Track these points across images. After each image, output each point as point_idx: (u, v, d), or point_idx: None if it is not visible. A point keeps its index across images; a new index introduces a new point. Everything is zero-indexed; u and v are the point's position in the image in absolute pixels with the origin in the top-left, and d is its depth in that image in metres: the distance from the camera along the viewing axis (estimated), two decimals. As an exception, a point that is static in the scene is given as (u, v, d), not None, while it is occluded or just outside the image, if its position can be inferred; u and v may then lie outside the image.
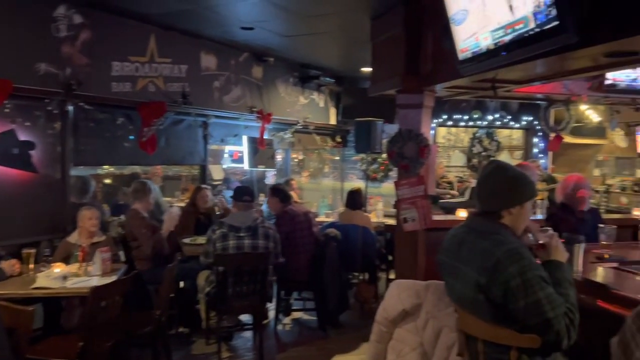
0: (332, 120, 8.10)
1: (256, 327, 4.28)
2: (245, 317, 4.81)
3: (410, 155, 4.48)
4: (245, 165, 6.87)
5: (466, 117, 8.26)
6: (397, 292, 2.73)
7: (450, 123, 8.36)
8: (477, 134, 8.49)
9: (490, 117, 8.35)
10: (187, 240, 4.86)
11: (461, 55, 3.10)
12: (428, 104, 4.50)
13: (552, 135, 5.12)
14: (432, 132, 8.20)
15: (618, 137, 11.33)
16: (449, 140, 9.96)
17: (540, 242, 2.10)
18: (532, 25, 2.37)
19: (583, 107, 9.76)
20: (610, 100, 4.71)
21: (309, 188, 8.34)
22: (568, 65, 3.12)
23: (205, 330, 4.34)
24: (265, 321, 4.88)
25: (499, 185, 2.08)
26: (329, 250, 4.86)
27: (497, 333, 1.91)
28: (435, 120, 8.14)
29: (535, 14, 2.33)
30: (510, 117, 8.27)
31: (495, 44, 2.72)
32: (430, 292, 2.63)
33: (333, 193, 8.52)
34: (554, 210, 3.96)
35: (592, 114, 10.74)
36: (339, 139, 8.08)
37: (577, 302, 1.90)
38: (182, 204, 5.98)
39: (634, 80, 4.43)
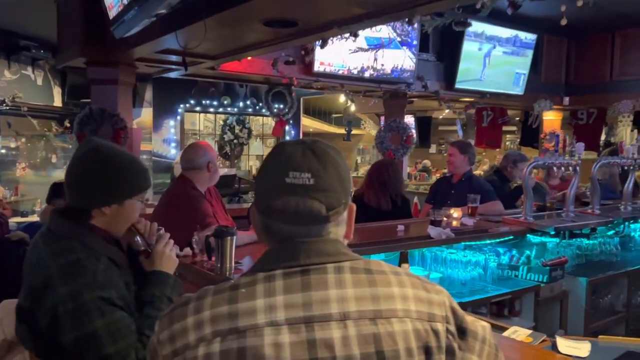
0: (58, 102, 6.92)
1: None
2: None
3: (106, 139, 3.86)
4: None
5: (216, 103, 7.86)
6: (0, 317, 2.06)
7: (198, 109, 7.87)
8: (228, 121, 8.20)
9: (241, 104, 8.11)
10: None
11: (110, 14, 2.55)
12: (126, 80, 3.91)
13: (275, 119, 4.98)
14: (178, 117, 7.63)
15: (369, 126, 12.32)
16: (207, 128, 9.54)
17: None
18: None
19: (342, 99, 10.26)
20: (321, 84, 4.69)
21: (33, 182, 7.01)
22: (236, 37, 2.81)
23: None
24: None
25: (91, 175, 1.49)
26: (10, 260, 3.94)
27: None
28: (182, 105, 7.58)
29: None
30: (261, 104, 8.12)
31: (130, -4, 2.22)
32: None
33: (66, 187, 7.35)
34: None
35: (352, 106, 11.41)
36: (67, 124, 6.94)
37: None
38: None
39: (342, 65, 4.46)
